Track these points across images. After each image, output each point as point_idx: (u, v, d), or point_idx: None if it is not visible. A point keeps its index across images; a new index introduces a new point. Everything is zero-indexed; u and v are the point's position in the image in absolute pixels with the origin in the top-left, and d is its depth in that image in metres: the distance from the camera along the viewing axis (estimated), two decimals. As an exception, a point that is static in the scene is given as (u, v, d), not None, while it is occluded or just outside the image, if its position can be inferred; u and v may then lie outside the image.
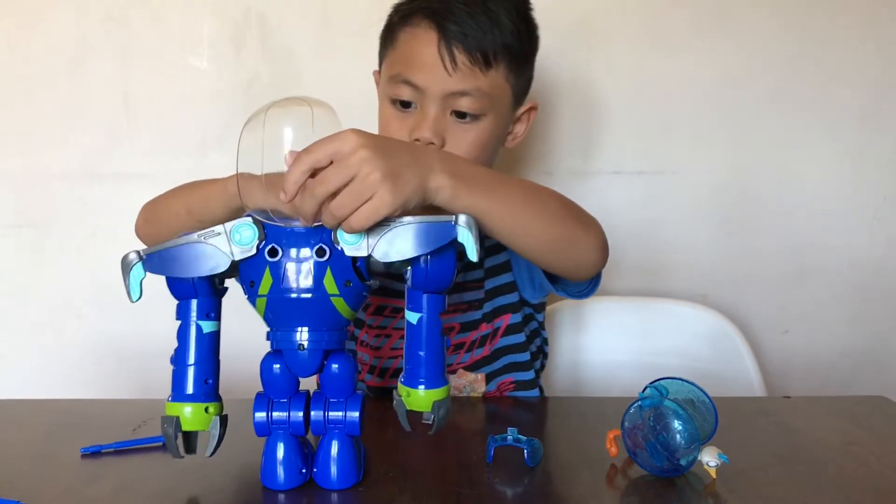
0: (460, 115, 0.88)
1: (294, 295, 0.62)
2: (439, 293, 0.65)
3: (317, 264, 0.62)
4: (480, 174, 0.72)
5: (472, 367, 0.97)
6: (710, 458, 0.68)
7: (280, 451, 0.65)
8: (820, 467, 0.72)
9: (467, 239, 0.61)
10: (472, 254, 0.61)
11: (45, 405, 0.91)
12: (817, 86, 1.36)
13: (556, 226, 0.76)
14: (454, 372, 0.97)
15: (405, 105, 0.89)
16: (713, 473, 0.68)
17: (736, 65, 1.35)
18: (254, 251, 0.62)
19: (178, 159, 1.34)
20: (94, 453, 0.74)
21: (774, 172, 1.38)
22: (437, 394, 0.65)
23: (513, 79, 0.91)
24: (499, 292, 0.99)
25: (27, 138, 1.34)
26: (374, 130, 0.98)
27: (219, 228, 0.62)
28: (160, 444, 0.76)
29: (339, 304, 0.63)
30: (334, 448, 0.65)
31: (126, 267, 0.63)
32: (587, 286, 0.89)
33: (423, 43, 0.87)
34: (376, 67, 0.97)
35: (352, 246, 0.61)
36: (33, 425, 0.83)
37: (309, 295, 0.62)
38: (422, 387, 0.64)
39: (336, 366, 0.64)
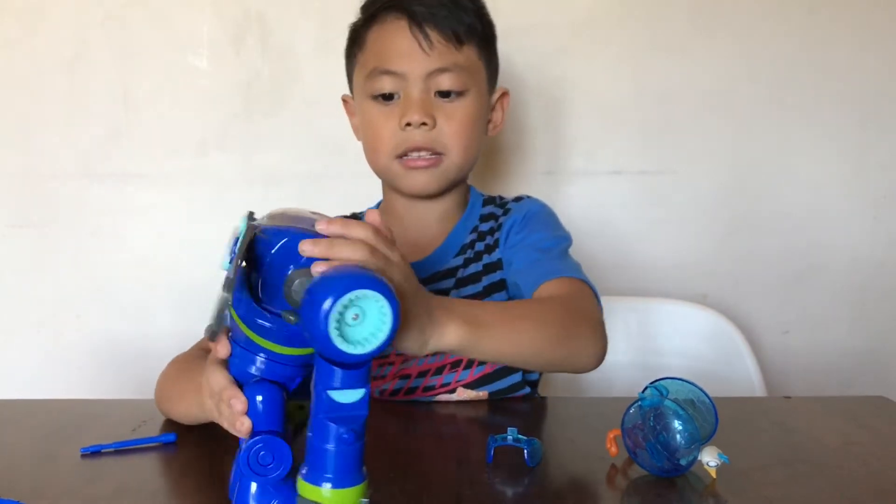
0: (444, 94, 0.91)
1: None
2: (320, 355, 0.49)
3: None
4: (489, 309, 0.72)
5: (473, 385, 0.93)
6: (710, 458, 0.68)
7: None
8: (820, 467, 0.72)
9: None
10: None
11: (45, 405, 0.91)
12: (817, 86, 1.36)
13: (558, 347, 0.76)
14: (453, 391, 0.93)
15: (388, 98, 0.92)
16: (713, 473, 0.68)
17: (736, 65, 1.35)
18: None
19: (178, 159, 1.34)
20: (94, 453, 0.74)
21: (774, 172, 1.38)
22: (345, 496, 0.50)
23: (484, 59, 0.95)
24: None
25: (27, 138, 1.34)
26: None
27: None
28: (160, 444, 0.76)
29: (238, 321, 0.54)
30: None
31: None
32: None
33: (395, 31, 0.90)
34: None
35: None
36: (33, 425, 0.83)
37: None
38: (327, 485, 0.50)
39: (260, 398, 0.54)
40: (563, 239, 0.95)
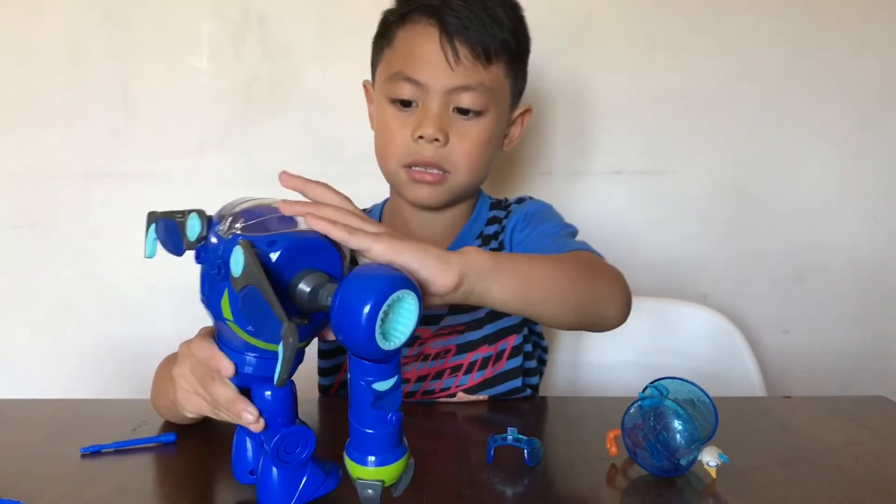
0: (462, 111, 0.89)
1: (205, 307, 0.56)
2: (356, 355, 0.52)
3: (216, 281, 0.54)
4: (509, 255, 0.72)
5: (473, 390, 0.93)
6: (710, 458, 0.68)
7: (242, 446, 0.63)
8: (820, 467, 0.72)
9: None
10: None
11: (45, 405, 0.91)
12: (817, 86, 1.36)
13: (583, 288, 0.74)
14: (453, 395, 0.93)
15: (405, 104, 0.89)
16: (713, 473, 0.68)
17: (736, 65, 1.35)
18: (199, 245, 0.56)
19: (177, 159, 1.34)
20: (94, 453, 0.74)
21: (774, 172, 1.38)
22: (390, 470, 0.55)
23: (511, 77, 0.92)
24: (503, 314, 0.94)
25: (27, 138, 1.34)
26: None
27: (192, 211, 0.58)
28: (160, 443, 0.76)
29: (240, 333, 0.54)
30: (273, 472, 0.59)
31: (147, 223, 0.60)
32: None
33: (424, 39, 0.87)
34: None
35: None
36: (33, 425, 0.83)
37: (211, 312, 0.56)
38: (372, 459, 0.54)
39: (269, 393, 0.57)
40: (570, 226, 0.95)
